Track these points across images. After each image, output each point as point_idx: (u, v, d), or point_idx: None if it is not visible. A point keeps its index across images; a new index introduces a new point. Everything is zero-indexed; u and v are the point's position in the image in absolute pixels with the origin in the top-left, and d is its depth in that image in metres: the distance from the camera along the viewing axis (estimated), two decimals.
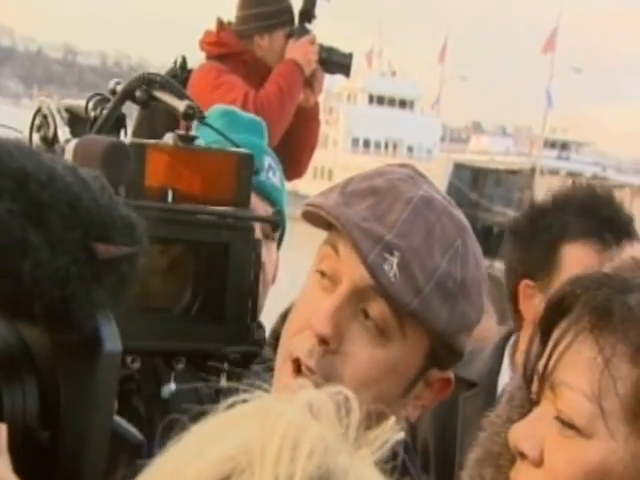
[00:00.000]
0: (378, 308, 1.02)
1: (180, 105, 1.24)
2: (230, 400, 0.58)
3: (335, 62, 3.45)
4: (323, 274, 1.05)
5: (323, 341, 1.02)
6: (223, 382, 1.30)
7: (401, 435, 0.58)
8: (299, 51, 3.37)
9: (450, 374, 1.10)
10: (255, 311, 1.26)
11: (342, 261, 1.03)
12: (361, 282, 1.02)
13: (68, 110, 1.33)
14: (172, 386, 1.27)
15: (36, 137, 1.31)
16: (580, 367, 0.95)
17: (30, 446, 0.86)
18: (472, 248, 1.08)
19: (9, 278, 0.78)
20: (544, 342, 1.00)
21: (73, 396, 0.87)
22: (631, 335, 0.93)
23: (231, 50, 3.42)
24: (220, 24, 3.46)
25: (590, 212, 1.84)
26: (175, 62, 3.30)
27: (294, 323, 1.08)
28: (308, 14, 3.44)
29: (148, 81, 1.32)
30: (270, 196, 1.57)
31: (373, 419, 0.58)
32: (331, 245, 1.05)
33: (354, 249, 1.01)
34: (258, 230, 1.49)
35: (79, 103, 1.34)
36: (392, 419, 0.59)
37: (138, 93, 1.31)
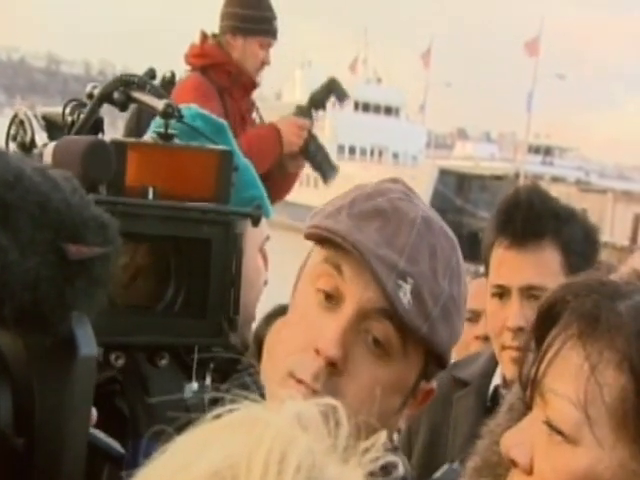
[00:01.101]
0: (383, 329, 1.03)
1: (159, 104, 1.24)
2: (217, 410, 0.56)
3: (317, 162, 3.47)
4: (324, 293, 1.05)
5: (331, 364, 1.02)
6: (208, 381, 1.29)
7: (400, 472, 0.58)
8: (289, 128, 3.38)
9: (433, 384, 1.12)
10: (237, 305, 1.26)
11: (347, 282, 1.03)
12: (368, 304, 1.02)
13: (45, 117, 1.32)
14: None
15: (13, 145, 1.29)
16: (567, 374, 0.94)
17: (5, 453, 0.84)
18: (462, 262, 1.11)
19: None
20: (538, 348, 1.00)
21: (48, 401, 0.85)
22: (618, 342, 0.92)
23: (215, 61, 3.42)
24: (204, 36, 3.47)
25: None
26: (164, 77, 3.29)
27: (293, 341, 1.06)
28: (318, 103, 3.48)
29: (126, 82, 1.32)
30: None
31: (362, 431, 0.57)
32: (333, 265, 1.04)
33: (373, 277, 1.01)
34: (256, 247, 1.48)
35: (56, 110, 1.34)
36: (383, 433, 0.57)
37: (116, 95, 1.31)
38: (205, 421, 0.56)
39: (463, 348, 2.39)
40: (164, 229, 1.19)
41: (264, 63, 3.47)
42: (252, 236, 1.43)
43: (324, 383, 1.01)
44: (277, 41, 3.53)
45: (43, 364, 0.86)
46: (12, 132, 1.31)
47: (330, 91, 3.51)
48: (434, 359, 1.08)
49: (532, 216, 1.83)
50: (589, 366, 0.93)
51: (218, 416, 0.56)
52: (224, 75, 3.39)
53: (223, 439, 0.54)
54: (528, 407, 1.01)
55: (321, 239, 1.07)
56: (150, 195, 1.21)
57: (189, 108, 1.53)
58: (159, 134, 1.25)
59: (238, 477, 0.51)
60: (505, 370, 1.89)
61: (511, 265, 1.84)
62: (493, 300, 1.89)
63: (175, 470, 0.53)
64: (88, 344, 0.86)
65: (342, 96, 3.54)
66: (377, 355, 1.03)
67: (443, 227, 1.09)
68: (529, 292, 1.82)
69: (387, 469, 0.57)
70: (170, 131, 1.25)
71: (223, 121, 1.57)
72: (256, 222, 1.30)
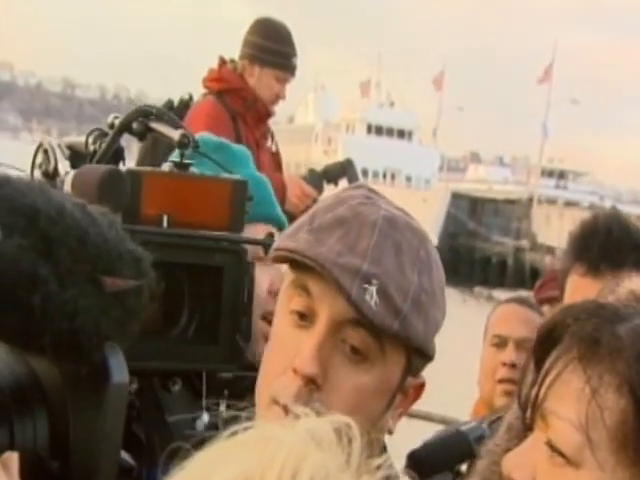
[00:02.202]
0: (358, 336, 1.03)
1: (175, 134, 1.27)
2: (232, 429, 0.58)
3: None
4: (297, 313, 1.06)
5: (310, 381, 1.02)
6: (222, 408, 1.31)
7: None
8: (295, 190, 3.38)
9: (422, 378, 1.12)
10: (249, 332, 1.28)
11: (316, 299, 1.04)
12: (339, 316, 1.03)
13: (69, 147, 1.36)
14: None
15: (37, 172, 1.33)
16: (568, 397, 0.95)
17: (40, 475, 0.87)
18: (433, 253, 1.10)
19: (20, 311, 0.80)
20: (538, 370, 1.01)
21: (82, 426, 0.89)
22: (618, 365, 0.93)
23: (231, 86, 3.45)
24: (222, 61, 3.51)
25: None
26: (181, 100, 3.33)
27: (272, 366, 1.07)
28: (331, 177, 3.48)
29: (144, 113, 1.35)
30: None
31: (375, 447, 0.58)
32: (300, 286, 1.05)
33: (336, 287, 1.01)
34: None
35: (80, 139, 1.37)
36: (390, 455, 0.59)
37: (135, 125, 1.34)
38: (221, 439, 0.57)
39: (490, 374, 2.37)
40: (178, 256, 1.22)
41: (279, 97, 3.49)
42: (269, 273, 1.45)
43: (306, 402, 1.01)
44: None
45: (78, 391, 0.89)
46: (38, 158, 1.34)
47: (345, 171, 3.55)
48: (415, 352, 1.07)
49: (611, 244, 1.77)
50: (590, 389, 0.93)
51: (233, 434, 0.57)
52: (239, 100, 3.42)
53: (238, 456, 0.55)
54: (527, 428, 1.02)
55: (285, 260, 1.07)
56: (165, 223, 1.23)
57: (210, 138, 1.57)
58: (175, 163, 1.28)
59: None
60: None
61: (585, 294, 1.74)
62: None
63: None
64: (120, 372, 0.89)
65: (354, 179, 3.57)
66: (356, 362, 1.03)
67: (410, 223, 1.09)
68: None
69: None
70: (185, 160, 1.27)
71: (245, 149, 1.60)
72: (268, 250, 1.33)
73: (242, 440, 0.57)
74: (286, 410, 1.03)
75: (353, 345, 1.03)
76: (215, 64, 3.52)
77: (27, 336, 0.82)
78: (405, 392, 1.10)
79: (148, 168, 1.33)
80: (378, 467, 0.56)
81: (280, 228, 1.54)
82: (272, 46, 3.45)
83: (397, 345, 1.05)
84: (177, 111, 1.47)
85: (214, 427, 1.27)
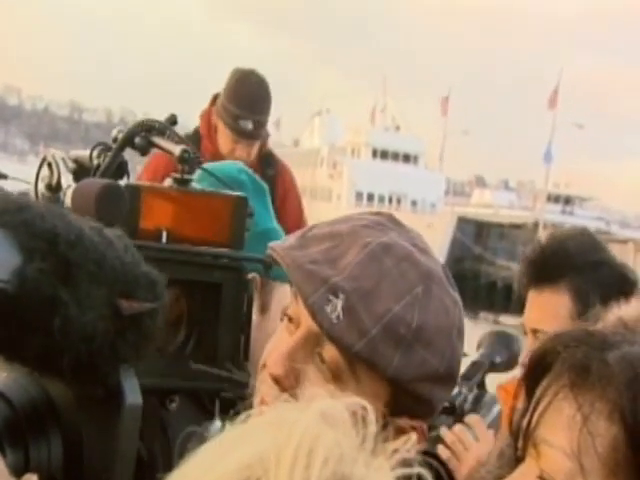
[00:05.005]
0: (331, 352, 1.02)
1: (176, 149, 1.27)
2: (246, 413, 0.59)
3: None
4: (289, 318, 1.07)
5: (276, 381, 1.03)
6: (217, 424, 1.29)
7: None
8: None
9: (422, 424, 1.08)
10: (247, 349, 1.27)
11: (300, 306, 1.04)
12: (314, 326, 1.02)
13: (75, 160, 1.36)
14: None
15: (42, 185, 1.35)
16: (560, 425, 0.95)
17: None
18: (438, 295, 1.04)
19: (40, 334, 0.82)
20: (529, 398, 1.01)
21: (96, 448, 0.90)
22: (608, 392, 0.93)
23: (204, 131, 3.45)
24: (213, 98, 3.46)
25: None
26: (196, 129, 3.33)
27: (262, 359, 1.10)
28: None
29: (147, 127, 1.34)
30: None
31: (391, 432, 0.58)
32: (293, 290, 1.06)
33: (296, 290, 1.01)
34: (280, 307, 1.51)
35: (86, 153, 1.38)
36: (413, 435, 0.58)
37: (137, 140, 1.34)
38: (236, 423, 0.58)
39: None
40: (176, 272, 1.20)
41: (236, 157, 3.19)
42: (278, 296, 1.44)
43: (275, 400, 1.00)
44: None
45: (92, 413, 0.90)
46: (42, 172, 1.35)
47: None
48: (401, 391, 1.03)
49: (543, 262, 1.89)
50: (581, 417, 0.93)
51: (248, 418, 0.58)
52: (206, 148, 3.35)
53: (252, 437, 0.55)
54: (518, 457, 1.01)
55: (273, 259, 1.08)
56: (164, 238, 1.23)
57: (236, 164, 1.58)
58: (175, 179, 1.27)
59: (268, 470, 0.52)
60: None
61: (528, 307, 1.93)
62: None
63: (208, 466, 0.55)
64: (134, 394, 0.90)
65: None
66: (327, 379, 1.02)
67: (414, 257, 1.04)
68: (536, 335, 1.88)
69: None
70: (186, 176, 1.27)
71: (265, 185, 1.61)
72: (268, 268, 1.33)
73: (256, 423, 0.57)
74: (263, 402, 1.04)
75: (323, 358, 1.02)
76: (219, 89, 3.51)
77: (46, 359, 0.84)
78: (401, 430, 1.04)
79: (147, 183, 1.33)
80: (395, 451, 0.56)
81: None
82: (227, 105, 3.36)
83: (371, 373, 1.02)
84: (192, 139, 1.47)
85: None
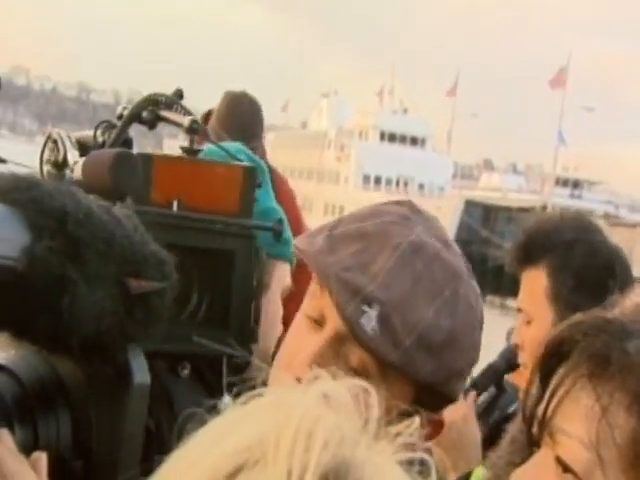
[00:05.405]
0: (358, 355, 1.00)
1: (184, 120, 1.27)
2: (246, 395, 0.57)
3: None
4: (310, 318, 1.05)
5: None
6: (227, 398, 1.30)
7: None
8: None
9: (441, 417, 1.09)
10: (258, 314, 1.28)
11: (328, 305, 1.02)
12: (342, 329, 1.01)
13: (78, 141, 1.36)
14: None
15: (47, 164, 1.34)
16: (578, 415, 0.94)
17: (63, 475, 0.89)
18: (464, 294, 1.05)
19: (49, 313, 0.82)
20: (543, 385, 1.00)
21: (104, 426, 0.90)
22: (629, 383, 0.92)
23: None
24: (207, 114, 3.38)
25: None
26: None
27: (282, 359, 1.07)
28: None
29: (154, 102, 1.34)
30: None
31: (394, 415, 0.58)
32: (319, 284, 1.04)
33: (333, 301, 0.99)
34: (280, 287, 1.51)
35: (88, 133, 1.37)
36: (416, 418, 0.58)
37: (144, 114, 1.34)
38: (235, 405, 0.57)
39: None
40: (188, 240, 1.22)
41: None
42: (278, 275, 1.45)
43: None
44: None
45: (100, 391, 0.91)
46: (45, 154, 1.35)
47: None
48: (428, 392, 1.03)
49: (526, 243, 1.93)
50: (600, 407, 0.93)
51: (248, 400, 0.57)
52: None
53: (252, 419, 0.55)
54: (531, 443, 1.01)
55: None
56: (175, 207, 1.23)
57: (234, 144, 1.58)
58: (184, 149, 1.28)
59: (267, 453, 0.51)
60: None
61: (522, 284, 1.98)
62: None
63: (207, 447, 0.54)
64: (142, 373, 0.91)
65: None
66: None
67: (441, 256, 1.03)
68: (520, 313, 1.94)
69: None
70: (196, 146, 1.28)
71: (263, 165, 1.62)
72: (278, 236, 1.33)
73: (256, 405, 0.57)
74: None
75: (352, 360, 1.01)
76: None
77: (55, 338, 0.84)
78: (421, 425, 1.07)
79: (158, 152, 1.34)
80: (397, 434, 0.55)
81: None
82: (219, 130, 3.23)
83: (400, 378, 1.01)
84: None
85: None
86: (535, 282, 1.90)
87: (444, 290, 1.02)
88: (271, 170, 3.55)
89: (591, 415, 0.93)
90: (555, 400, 0.96)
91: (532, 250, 1.91)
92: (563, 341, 0.99)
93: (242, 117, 3.32)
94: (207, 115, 3.43)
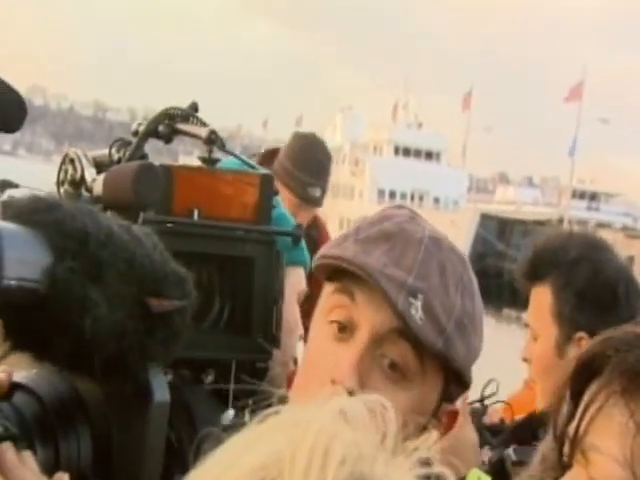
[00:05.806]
0: (399, 351, 1.02)
1: (202, 132, 1.29)
2: (262, 414, 0.57)
3: None
4: (338, 324, 1.05)
5: (350, 394, 0.99)
6: (247, 417, 1.30)
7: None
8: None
9: (457, 406, 1.11)
10: (280, 321, 1.29)
11: (360, 307, 1.03)
12: (381, 328, 1.02)
13: (94, 159, 1.38)
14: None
15: (63, 187, 1.35)
16: (611, 432, 0.93)
17: None
18: (474, 279, 1.11)
19: (71, 334, 0.82)
20: (575, 403, 0.99)
21: (124, 444, 0.91)
22: None
23: None
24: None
25: None
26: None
27: (311, 378, 1.06)
28: None
29: (170, 116, 1.36)
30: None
31: (411, 430, 0.56)
32: (346, 292, 1.05)
33: (383, 297, 1.01)
34: (295, 294, 1.52)
35: (103, 152, 1.38)
36: (434, 432, 0.57)
37: (161, 128, 1.35)
38: (252, 423, 0.57)
39: None
40: (210, 247, 1.24)
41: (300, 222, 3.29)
42: (293, 280, 1.46)
43: None
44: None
45: (120, 410, 0.91)
46: (62, 174, 1.35)
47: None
48: (453, 378, 1.07)
49: (534, 259, 1.95)
50: (634, 424, 0.91)
51: (264, 419, 0.56)
52: None
53: (269, 437, 0.54)
54: (563, 462, 0.99)
55: (329, 269, 1.07)
56: (195, 217, 1.25)
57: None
58: (203, 159, 1.30)
59: (283, 471, 0.51)
60: None
61: (531, 301, 1.99)
62: None
63: (224, 467, 0.54)
64: (162, 391, 0.92)
65: None
66: (394, 380, 1.02)
67: (452, 246, 1.09)
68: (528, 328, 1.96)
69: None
70: (213, 157, 1.30)
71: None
72: (297, 241, 1.34)
73: (273, 423, 0.56)
74: None
75: (393, 359, 1.02)
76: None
77: (76, 358, 0.85)
78: (439, 418, 1.09)
79: (178, 163, 1.36)
80: (415, 449, 0.54)
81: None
82: (294, 171, 3.31)
83: (437, 367, 1.04)
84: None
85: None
86: (541, 299, 1.91)
87: (463, 275, 1.08)
88: (318, 224, 3.57)
89: (625, 432, 0.92)
90: (587, 417, 0.95)
91: (539, 267, 1.92)
92: (594, 357, 0.98)
93: (320, 159, 3.41)
94: (270, 154, 3.44)
